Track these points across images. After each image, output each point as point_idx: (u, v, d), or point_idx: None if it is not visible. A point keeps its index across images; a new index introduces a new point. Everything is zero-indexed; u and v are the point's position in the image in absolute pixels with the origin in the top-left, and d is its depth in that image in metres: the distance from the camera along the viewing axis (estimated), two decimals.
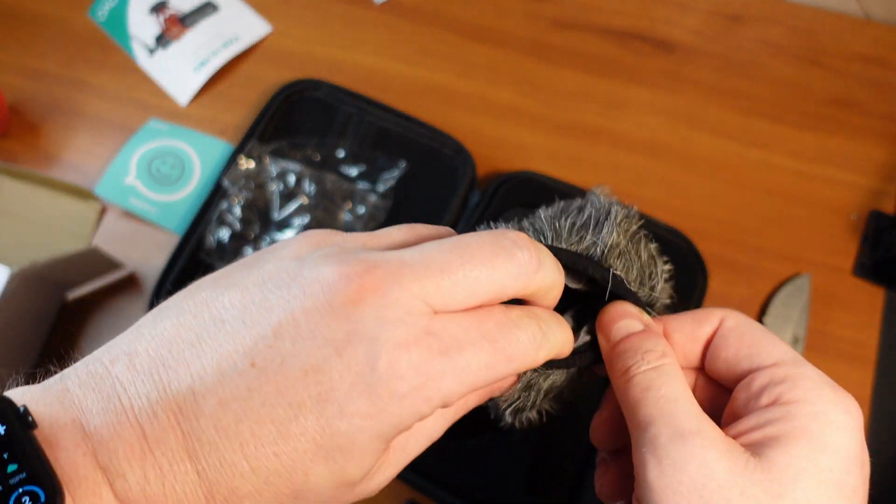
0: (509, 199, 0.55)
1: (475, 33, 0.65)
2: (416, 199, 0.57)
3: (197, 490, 0.20)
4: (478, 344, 0.21)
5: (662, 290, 0.30)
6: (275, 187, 0.56)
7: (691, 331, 0.27)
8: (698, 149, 0.61)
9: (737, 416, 0.24)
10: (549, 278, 0.23)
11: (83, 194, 0.57)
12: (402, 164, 0.57)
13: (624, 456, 0.29)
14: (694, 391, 0.27)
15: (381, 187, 0.56)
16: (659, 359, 0.25)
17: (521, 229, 0.29)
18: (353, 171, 0.57)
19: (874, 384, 0.53)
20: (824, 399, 0.22)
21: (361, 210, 0.55)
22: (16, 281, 0.47)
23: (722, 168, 0.60)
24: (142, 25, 0.64)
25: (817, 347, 0.54)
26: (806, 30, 0.65)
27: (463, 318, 0.21)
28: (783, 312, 0.54)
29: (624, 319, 0.26)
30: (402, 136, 0.58)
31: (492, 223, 0.31)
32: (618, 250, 0.27)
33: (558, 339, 0.24)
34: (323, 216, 0.55)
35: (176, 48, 0.63)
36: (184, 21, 0.64)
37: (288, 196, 0.56)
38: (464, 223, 0.55)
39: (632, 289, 0.28)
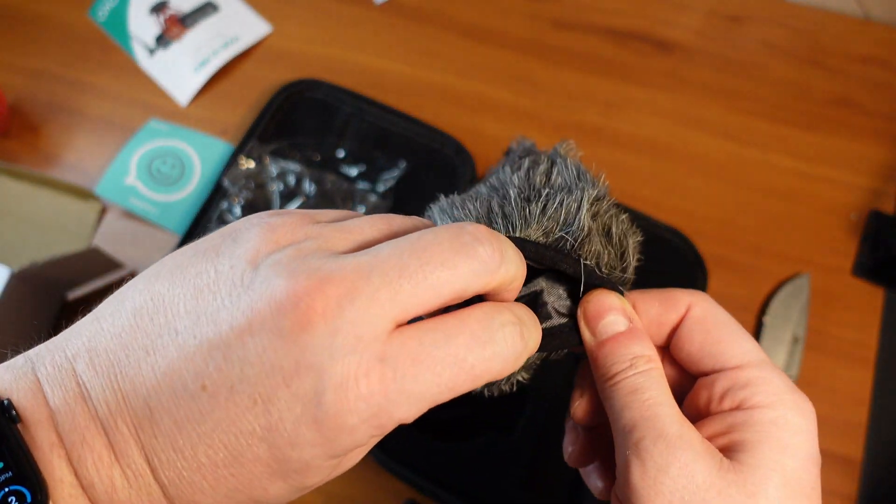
0: None
1: (475, 33, 0.65)
2: (416, 200, 0.57)
3: (162, 501, 0.20)
4: (441, 363, 0.20)
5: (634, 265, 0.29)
6: (275, 187, 0.56)
7: (658, 315, 0.27)
8: (698, 149, 0.61)
9: (699, 412, 0.26)
10: (512, 271, 0.22)
11: (83, 194, 0.58)
12: (402, 164, 0.57)
13: (598, 428, 0.29)
14: None
15: (381, 187, 0.56)
16: (647, 363, 0.25)
17: (489, 212, 0.28)
18: (353, 171, 0.57)
19: (874, 384, 0.53)
20: (784, 404, 0.24)
21: (361, 210, 0.55)
22: (16, 281, 0.47)
23: (722, 168, 0.60)
24: (142, 25, 0.64)
25: (817, 347, 0.54)
26: (806, 30, 0.65)
27: (427, 333, 0.20)
28: (783, 312, 0.54)
29: (609, 315, 0.26)
30: (402, 136, 0.58)
31: (455, 201, 0.29)
32: (588, 238, 0.27)
33: (536, 342, 0.23)
34: None
35: (176, 48, 0.63)
36: (184, 21, 0.64)
37: (288, 196, 0.56)
38: None
39: (604, 273, 0.27)
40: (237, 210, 0.55)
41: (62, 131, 0.61)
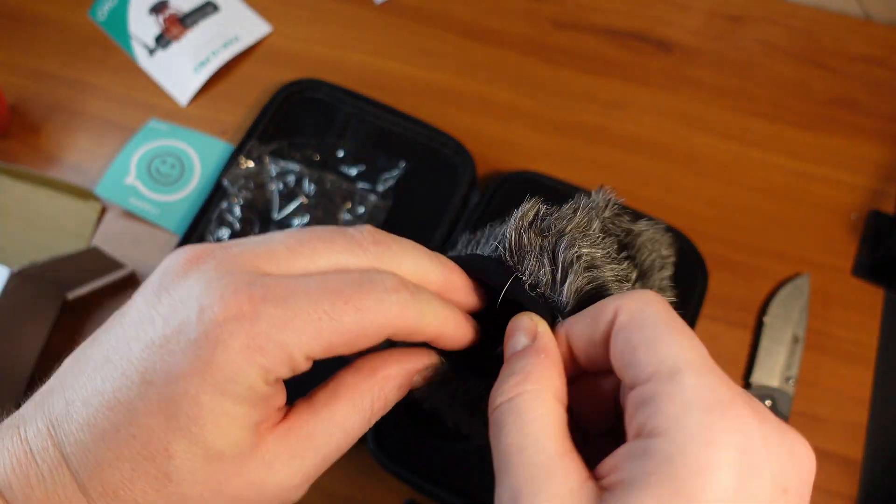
0: (509, 199, 0.55)
1: (475, 33, 0.65)
2: (416, 200, 0.57)
3: (76, 492, 0.20)
4: (316, 292, 0.20)
5: (573, 291, 0.25)
6: (275, 187, 0.56)
7: (589, 334, 0.22)
8: (698, 149, 0.61)
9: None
10: (407, 264, 0.23)
11: (83, 194, 0.58)
12: (402, 164, 0.57)
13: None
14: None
15: (381, 187, 0.56)
16: (515, 387, 0.20)
17: (471, 238, 0.29)
18: (353, 171, 0.57)
19: (874, 384, 0.53)
20: (686, 430, 0.17)
21: (361, 210, 0.55)
22: (16, 281, 0.47)
23: (722, 168, 0.60)
24: (142, 25, 0.64)
25: (817, 347, 0.54)
26: (806, 30, 0.65)
27: (303, 275, 0.21)
28: (783, 312, 0.54)
29: (514, 335, 0.23)
30: (402, 136, 0.58)
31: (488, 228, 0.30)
32: (526, 253, 0.25)
33: (436, 310, 0.22)
34: (322, 216, 0.55)
35: (176, 48, 0.63)
36: (184, 21, 0.64)
37: (288, 196, 0.56)
38: (464, 223, 0.55)
39: (542, 293, 0.25)
40: (237, 210, 0.55)
41: (62, 131, 0.61)
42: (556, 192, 0.55)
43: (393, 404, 0.24)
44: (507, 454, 0.19)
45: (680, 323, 0.20)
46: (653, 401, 0.18)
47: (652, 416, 0.18)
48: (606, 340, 0.21)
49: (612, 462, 0.19)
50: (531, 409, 0.20)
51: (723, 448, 0.17)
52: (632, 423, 0.19)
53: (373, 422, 0.24)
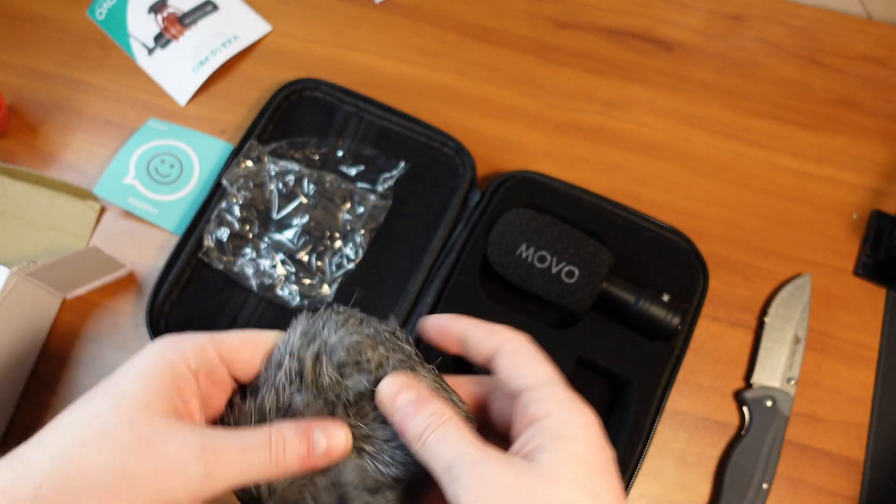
0: (509, 199, 0.55)
1: (475, 33, 0.65)
2: (416, 199, 0.56)
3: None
4: None
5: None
6: (274, 187, 0.56)
7: (477, 348, 0.33)
8: (699, 148, 0.61)
9: (518, 428, 0.30)
10: None
11: (82, 194, 0.57)
12: (402, 164, 0.57)
13: None
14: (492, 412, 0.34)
15: (381, 187, 0.56)
16: (441, 416, 0.30)
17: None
18: (353, 171, 0.57)
19: (875, 384, 0.53)
20: (566, 409, 0.29)
21: (361, 210, 0.55)
22: (15, 281, 0.47)
23: (723, 168, 0.60)
24: (141, 25, 0.64)
25: (818, 347, 0.54)
26: (807, 29, 0.65)
27: None
28: (784, 312, 0.54)
29: (403, 393, 0.31)
30: (402, 136, 0.58)
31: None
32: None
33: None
34: (322, 216, 0.55)
35: (175, 47, 0.63)
36: (183, 20, 0.64)
37: (287, 196, 0.56)
38: (464, 223, 0.55)
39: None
40: (236, 210, 0.55)
41: (61, 131, 0.61)
42: (556, 192, 0.55)
43: None
44: (454, 446, 0.28)
45: (542, 354, 0.32)
46: (540, 399, 0.29)
47: (542, 407, 0.29)
48: (488, 357, 0.32)
49: (520, 443, 0.29)
50: (459, 424, 0.29)
51: (588, 417, 0.29)
52: (525, 414, 0.29)
53: None
